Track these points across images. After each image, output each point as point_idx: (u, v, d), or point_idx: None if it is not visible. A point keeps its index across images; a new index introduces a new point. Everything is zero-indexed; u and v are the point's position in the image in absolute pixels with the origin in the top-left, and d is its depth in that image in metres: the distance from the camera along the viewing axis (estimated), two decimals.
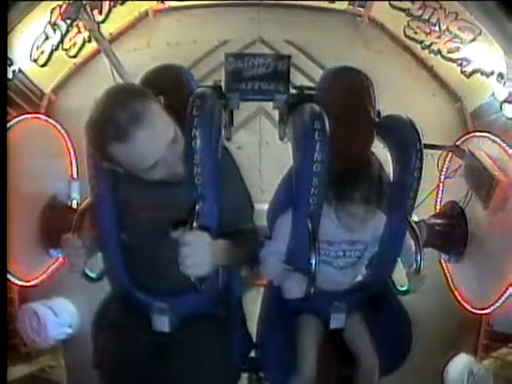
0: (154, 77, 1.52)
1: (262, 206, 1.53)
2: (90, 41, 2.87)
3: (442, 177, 2.37)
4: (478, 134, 2.26)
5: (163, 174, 1.13)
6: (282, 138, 1.92)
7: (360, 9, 3.19)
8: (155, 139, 1.06)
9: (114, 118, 1.01)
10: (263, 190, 1.82)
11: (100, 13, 2.90)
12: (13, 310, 2.46)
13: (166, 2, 3.22)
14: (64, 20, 2.66)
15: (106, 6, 2.96)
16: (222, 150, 1.32)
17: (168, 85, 1.46)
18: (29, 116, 2.22)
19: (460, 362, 2.48)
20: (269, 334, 1.51)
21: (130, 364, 1.27)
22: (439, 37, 2.88)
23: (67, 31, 2.79)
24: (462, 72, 2.83)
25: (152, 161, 1.08)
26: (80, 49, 2.93)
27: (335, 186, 1.32)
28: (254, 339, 1.54)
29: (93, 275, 1.42)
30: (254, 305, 1.66)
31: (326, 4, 3.20)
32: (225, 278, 1.38)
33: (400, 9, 2.99)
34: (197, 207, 1.17)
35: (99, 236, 1.33)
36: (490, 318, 2.47)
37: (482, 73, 2.69)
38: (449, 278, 2.40)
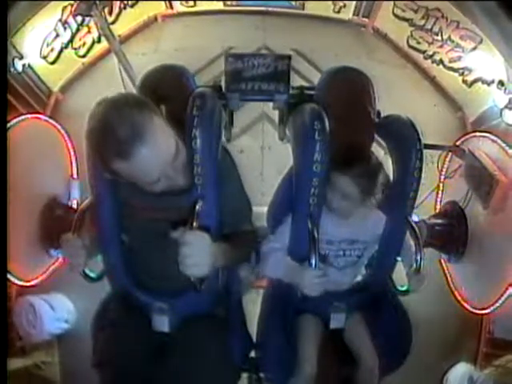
0: (155, 77, 1.52)
1: (263, 209, 1.53)
2: (99, 41, 2.89)
3: (442, 177, 2.37)
4: (478, 134, 2.26)
5: (164, 186, 1.13)
6: (281, 138, 1.92)
7: (364, 19, 3.21)
8: (158, 155, 1.04)
9: (116, 135, 0.98)
10: (264, 193, 1.83)
11: (110, 14, 2.92)
12: (9, 304, 2.45)
13: (174, 7, 3.24)
14: (75, 17, 2.67)
15: (116, 7, 2.98)
16: (223, 151, 1.32)
17: (168, 85, 1.47)
18: (29, 116, 2.21)
19: (460, 370, 2.46)
20: (269, 334, 1.51)
21: (129, 364, 1.27)
22: (441, 46, 2.89)
23: (77, 30, 2.80)
24: (464, 81, 2.84)
25: (155, 176, 1.07)
26: (89, 49, 2.95)
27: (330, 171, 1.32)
28: (254, 339, 1.54)
29: (93, 275, 1.42)
30: (254, 305, 1.66)
31: (330, 13, 3.23)
32: (225, 278, 1.39)
33: (404, 18, 3.00)
34: (197, 207, 1.17)
35: (99, 236, 1.33)
36: (491, 325, 2.46)
37: (483, 81, 2.71)
38: (449, 278, 2.40)
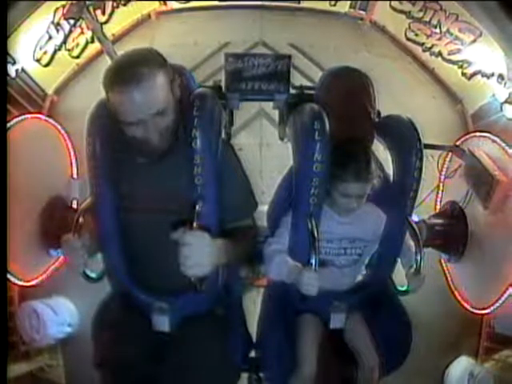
0: None
1: (263, 207, 1.53)
2: (92, 41, 2.87)
3: (442, 177, 2.37)
4: (478, 133, 2.26)
5: (138, 135, 1.17)
6: (281, 138, 1.92)
7: (361, 11, 3.19)
8: (146, 100, 1.12)
9: (124, 69, 1.14)
10: (263, 191, 1.83)
11: (103, 13, 2.90)
12: (12, 308, 2.46)
13: (168, 3, 3.23)
14: (67, 20, 2.66)
15: (109, 6, 2.96)
16: (225, 146, 1.33)
17: None
18: (29, 116, 2.22)
19: (461, 364, 2.47)
20: (269, 333, 1.51)
21: (130, 364, 1.27)
22: (440, 39, 2.88)
23: (70, 31, 2.78)
24: (463, 74, 2.83)
25: (135, 117, 1.13)
26: (83, 49, 2.93)
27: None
28: (254, 339, 1.54)
29: (93, 275, 1.42)
30: (254, 305, 1.66)
31: (327, 7, 3.21)
32: (225, 278, 1.38)
33: (401, 11, 2.99)
34: (197, 207, 1.17)
35: (99, 236, 1.33)
36: (492, 320, 2.46)
37: (483, 74, 2.69)
38: (449, 278, 2.40)
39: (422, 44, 3.00)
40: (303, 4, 3.22)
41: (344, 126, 1.37)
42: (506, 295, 2.02)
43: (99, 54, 2.85)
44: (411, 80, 3.02)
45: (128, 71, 1.12)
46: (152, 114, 1.14)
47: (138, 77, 1.11)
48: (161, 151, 1.20)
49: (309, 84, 1.91)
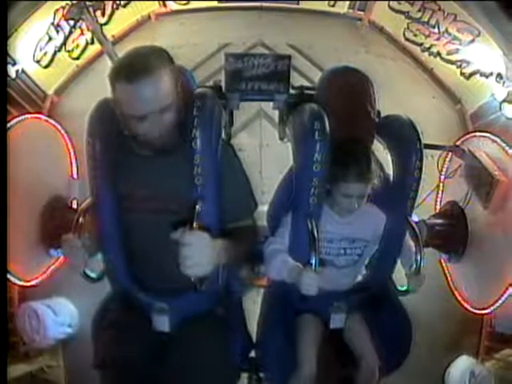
0: None
1: (263, 208, 1.53)
2: (92, 43, 2.88)
3: (442, 177, 2.37)
4: (478, 133, 2.27)
5: (146, 130, 1.17)
6: (281, 138, 1.92)
7: (360, 12, 3.19)
8: (154, 93, 1.13)
9: (131, 63, 1.15)
10: (264, 191, 1.83)
11: (103, 15, 2.91)
12: (12, 309, 2.46)
13: (168, 5, 3.23)
14: (67, 21, 2.67)
15: (108, 8, 2.97)
16: (225, 146, 1.34)
17: None
18: (29, 116, 2.22)
19: (462, 364, 2.48)
20: (269, 334, 1.51)
21: (130, 364, 1.27)
22: (438, 39, 2.89)
23: (70, 33, 2.80)
24: (462, 74, 2.83)
25: (144, 111, 1.14)
26: (83, 51, 2.94)
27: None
28: (254, 339, 1.54)
29: (93, 275, 1.42)
30: (254, 305, 1.66)
31: (326, 7, 3.21)
32: (225, 278, 1.38)
33: (400, 11, 3.00)
34: (197, 207, 1.18)
35: (99, 236, 1.33)
36: (492, 319, 2.47)
37: (482, 74, 2.70)
38: (449, 278, 2.40)
39: (421, 44, 3.00)
40: (302, 5, 3.22)
41: (344, 126, 1.38)
42: (506, 295, 2.02)
43: (99, 55, 2.86)
44: (410, 80, 3.03)
45: (138, 64, 1.13)
46: (159, 109, 1.15)
47: (148, 69, 1.12)
48: (166, 146, 1.21)
49: (308, 85, 1.92)
